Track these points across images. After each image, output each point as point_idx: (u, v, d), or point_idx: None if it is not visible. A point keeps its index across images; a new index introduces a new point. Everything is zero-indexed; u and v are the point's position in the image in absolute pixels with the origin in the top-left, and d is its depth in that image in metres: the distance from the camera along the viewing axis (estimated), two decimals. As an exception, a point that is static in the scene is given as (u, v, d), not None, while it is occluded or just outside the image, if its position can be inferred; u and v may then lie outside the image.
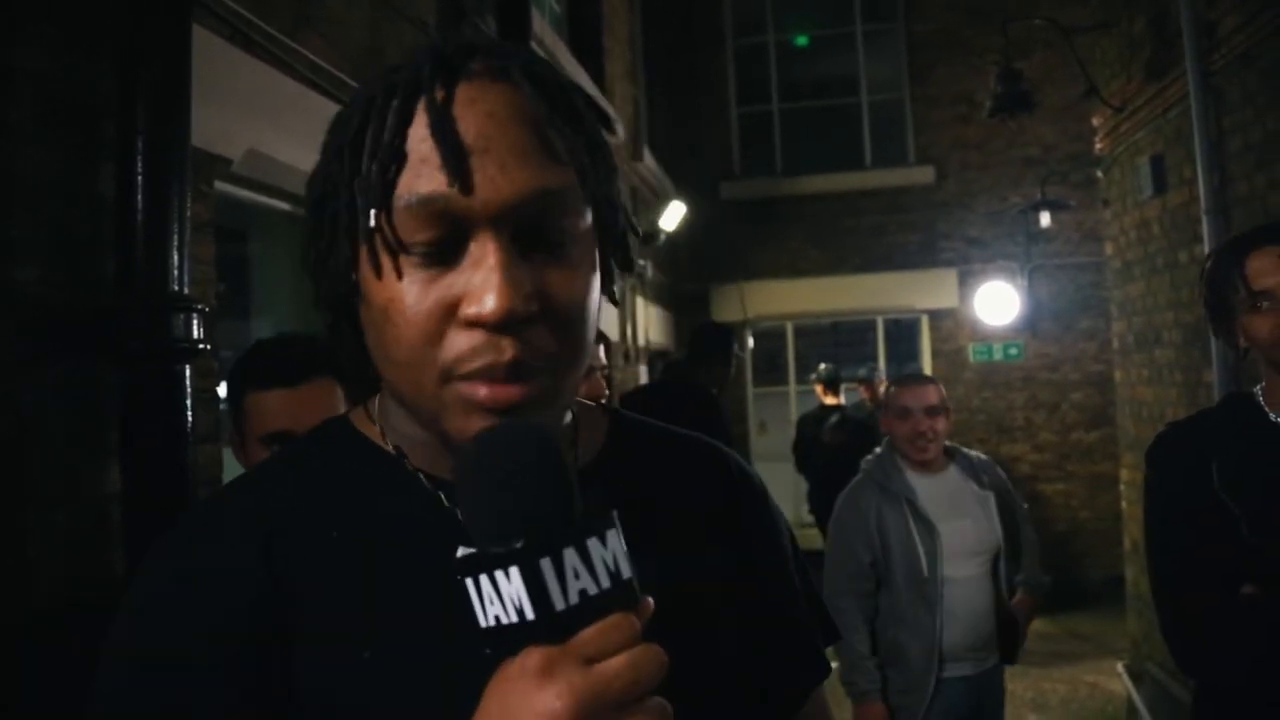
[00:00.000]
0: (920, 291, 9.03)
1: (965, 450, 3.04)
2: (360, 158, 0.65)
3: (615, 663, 0.53)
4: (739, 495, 0.86)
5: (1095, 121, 5.40)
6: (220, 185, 2.64)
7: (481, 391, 0.63)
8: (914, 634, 2.76)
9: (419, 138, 0.63)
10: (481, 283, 0.62)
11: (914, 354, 9.45)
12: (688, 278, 9.15)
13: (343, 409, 1.74)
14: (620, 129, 6.76)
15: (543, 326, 0.64)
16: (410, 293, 0.63)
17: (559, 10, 6.73)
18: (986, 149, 8.93)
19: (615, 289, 0.75)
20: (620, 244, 0.74)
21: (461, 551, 0.56)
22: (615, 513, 0.57)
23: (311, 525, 0.70)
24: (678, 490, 0.82)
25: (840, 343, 10.09)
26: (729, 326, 4.40)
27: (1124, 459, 5.61)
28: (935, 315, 9.12)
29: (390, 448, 0.74)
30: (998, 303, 8.80)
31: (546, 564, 0.53)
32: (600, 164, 0.69)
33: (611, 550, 0.55)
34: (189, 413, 2.05)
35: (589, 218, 0.68)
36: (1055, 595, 7.43)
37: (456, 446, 0.65)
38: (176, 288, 2.02)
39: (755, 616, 0.81)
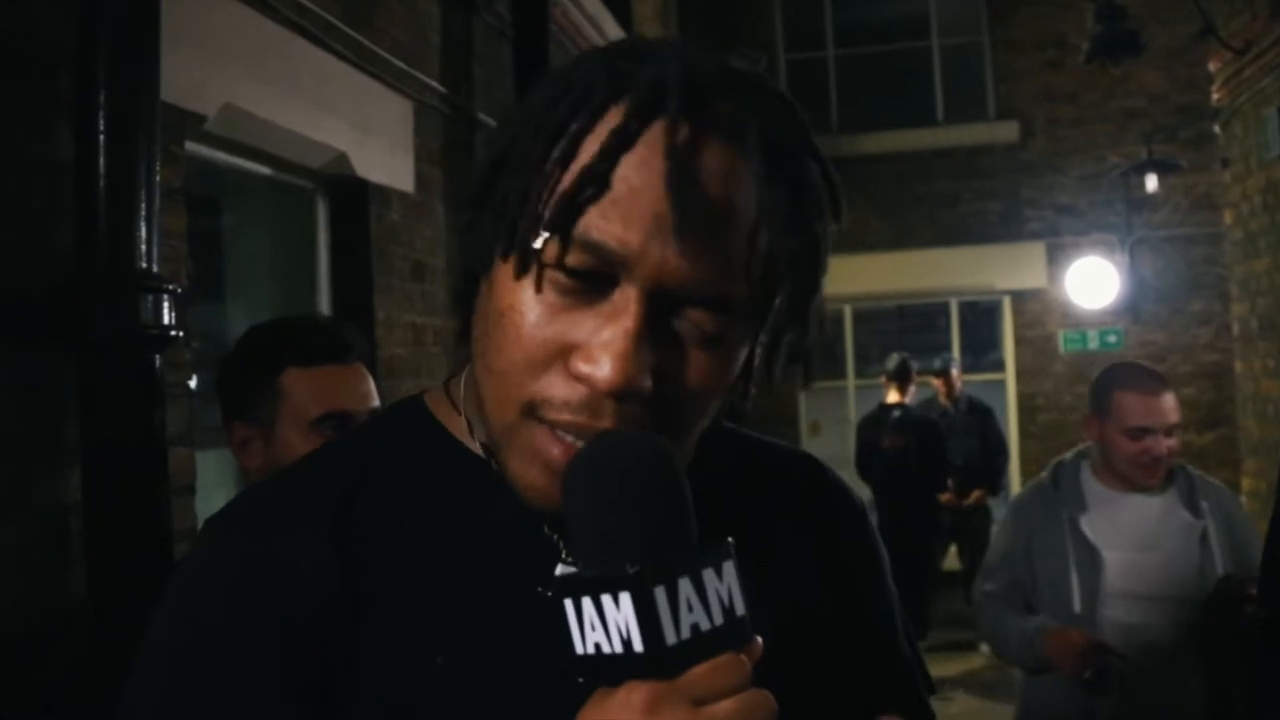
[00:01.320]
0: (1002, 269, 8.95)
1: (1190, 469, 2.74)
2: (553, 149, 0.66)
3: (725, 706, 0.56)
4: (839, 519, 0.89)
5: (1212, 67, 5.33)
6: (192, 146, 2.65)
7: (554, 451, 0.66)
8: (1060, 694, 2.53)
9: (632, 167, 0.64)
10: (606, 342, 0.64)
11: (994, 342, 9.38)
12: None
13: (376, 399, 1.77)
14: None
15: (653, 405, 0.66)
16: (535, 311, 0.66)
17: (579, -58, 6.71)
18: (1080, 101, 8.82)
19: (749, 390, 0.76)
20: (801, 354, 0.76)
21: (561, 570, 0.60)
22: (731, 541, 0.59)
23: (386, 520, 0.74)
24: (770, 510, 0.84)
25: (907, 329, 10.01)
26: None
27: (1245, 465, 5.53)
28: (1019, 297, 9.03)
29: (478, 445, 0.77)
30: (1093, 282, 8.71)
31: (661, 593, 0.56)
32: (803, 276, 0.71)
33: (727, 583, 0.58)
34: (160, 410, 2.06)
35: (759, 328, 0.71)
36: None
37: (532, 495, 0.68)
38: (144, 265, 2.02)
39: (855, 655, 0.84)
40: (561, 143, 0.65)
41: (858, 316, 9.61)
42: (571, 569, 0.60)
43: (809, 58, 9.74)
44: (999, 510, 8.37)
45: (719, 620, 0.57)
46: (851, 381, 9.43)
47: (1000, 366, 9.22)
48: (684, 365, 0.67)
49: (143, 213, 2.03)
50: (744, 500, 0.82)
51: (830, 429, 9.31)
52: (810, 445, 9.30)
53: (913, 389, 6.95)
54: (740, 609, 0.58)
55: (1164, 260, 8.68)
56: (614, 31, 5.85)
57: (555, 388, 0.66)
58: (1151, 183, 7.91)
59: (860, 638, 0.86)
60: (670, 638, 0.55)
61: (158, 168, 2.09)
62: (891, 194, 9.14)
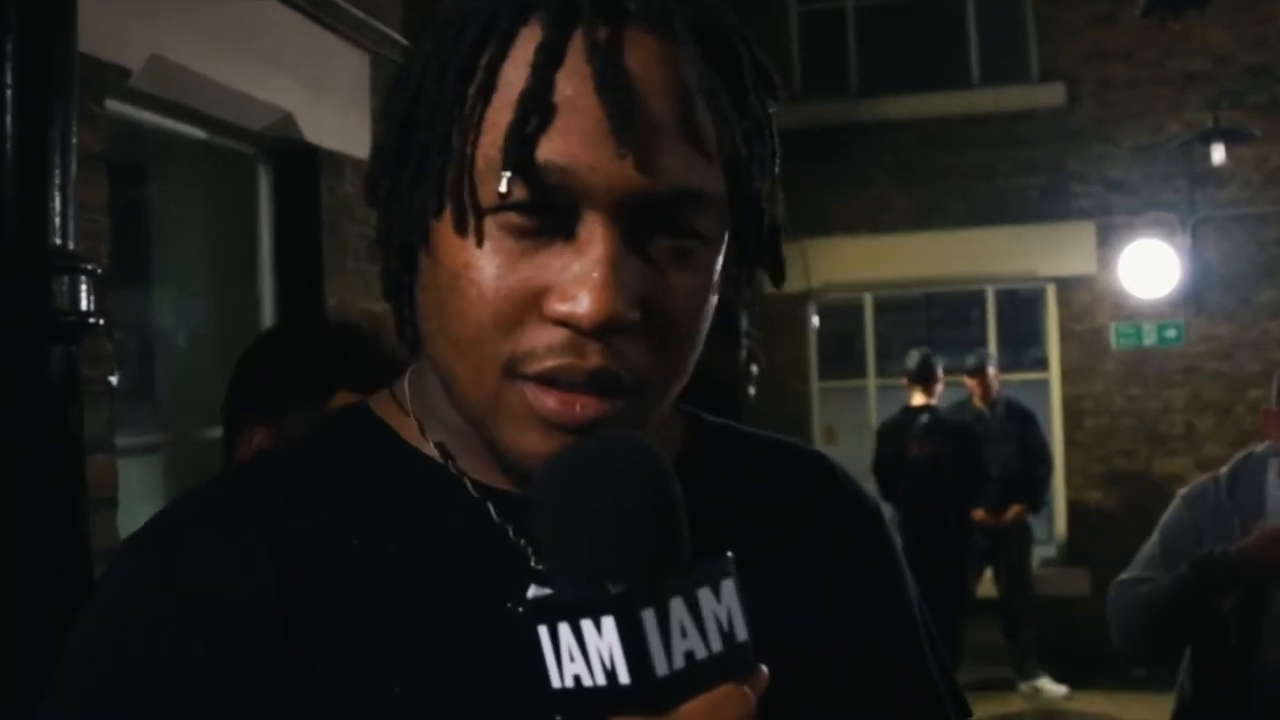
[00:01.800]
0: (1045, 253, 8.95)
1: None
2: (468, 87, 0.68)
3: None
4: (852, 521, 0.91)
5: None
6: (114, 105, 2.64)
7: (549, 402, 0.67)
8: None
9: (562, 81, 0.66)
10: (580, 275, 0.65)
11: (1036, 336, 9.41)
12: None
13: None
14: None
15: (642, 337, 0.68)
16: (493, 262, 0.67)
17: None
18: (1136, 60, 8.83)
19: (745, 299, 0.81)
20: (764, 252, 0.79)
21: (534, 591, 0.61)
22: (731, 557, 0.59)
23: (331, 532, 0.75)
24: (774, 511, 0.86)
25: (936, 321, 10.06)
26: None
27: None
28: (1065, 285, 9.04)
29: (431, 445, 0.79)
30: (1150, 268, 8.71)
31: (649, 616, 0.55)
32: (757, 158, 0.74)
33: (726, 604, 0.58)
34: (77, 410, 2.05)
35: (728, 220, 0.74)
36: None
37: (532, 463, 0.68)
38: (58, 240, 1.99)
39: (874, 677, 0.85)
40: (477, 76, 0.68)
41: (879, 306, 9.62)
42: (545, 590, 0.60)
43: (824, 8, 9.72)
44: (1040, 529, 8.43)
45: (717, 647, 0.57)
46: (872, 381, 9.43)
47: (1043, 364, 9.23)
48: (665, 289, 0.69)
49: (56, 181, 2.01)
50: (746, 505, 0.84)
51: (847, 435, 9.32)
52: (825, 452, 9.31)
53: (939, 389, 6.93)
54: (742, 634, 0.58)
55: (1231, 243, 8.69)
56: None
57: (534, 338, 0.67)
58: (1218, 154, 7.92)
59: (879, 657, 0.87)
60: (661, 668, 0.55)
61: (74, 129, 2.08)
62: (918, 166, 9.14)
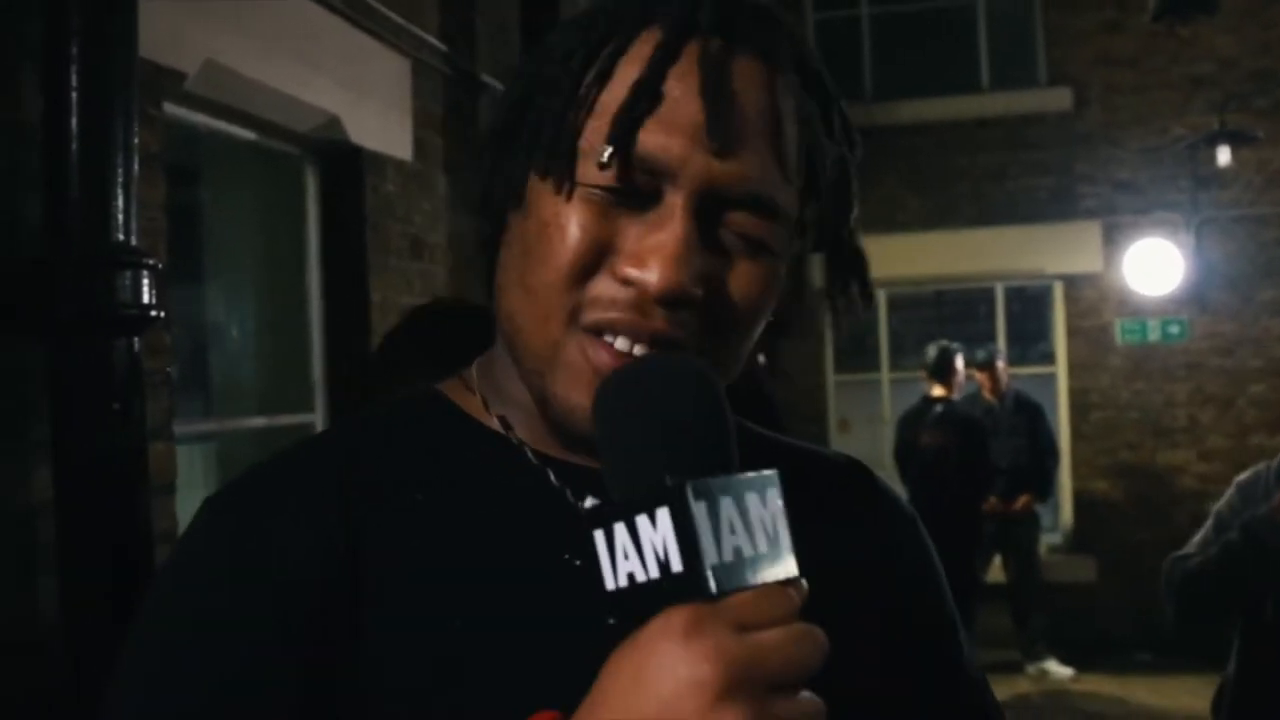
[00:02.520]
0: (1052, 251, 8.91)
1: None
2: (587, 73, 0.73)
3: (773, 634, 0.56)
4: (892, 527, 0.92)
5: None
6: (171, 108, 2.65)
7: (604, 356, 0.70)
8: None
9: (672, 80, 0.71)
10: (655, 246, 0.69)
11: (1044, 331, 9.36)
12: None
13: None
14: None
15: (701, 316, 0.71)
16: (578, 218, 0.71)
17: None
18: (1142, 66, 8.77)
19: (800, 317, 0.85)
20: (850, 273, 0.85)
21: (590, 502, 0.62)
22: (776, 473, 0.60)
23: (395, 487, 0.78)
24: (816, 516, 0.85)
25: (946, 317, 9.99)
26: None
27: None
28: (1072, 282, 9.00)
29: (494, 417, 0.82)
30: (1154, 266, 8.65)
31: (701, 508, 0.56)
32: (842, 184, 0.79)
33: (771, 511, 0.59)
34: (139, 400, 2.06)
35: (796, 231, 0.77)
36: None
37: (579, 416, 0.71)
38: (120, 237, 2.03)
39: (914, 685, 0.85)
40: (597, 65, 0.73)
41: (892, 303, 9.59)
42: (601, 501, 0.60)
43: (840, 16, 9.70)
44: (1047, 518, 8.40)
45: (763, 548, 0.58)
46: (885, 374, 9.41)
47: (1050, 359, 9.19)
48: (731, 275, 0.73)
49: (120, 180, 2.03)
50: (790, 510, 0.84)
51: (861, 427, 9.29)
52: (838, 444, 9.30)
53: (958, 381, 6.88)
54: (786, 542, 0.59)
55: (1234, 243, 8.63)
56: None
57: (601, 288, 0.71)
58: (1224, 156, 7.85)
59: (919, 659, 0.87)
60: (711, 557, 0.55)
61: (135, 130, 2.09)
62: (930, 168, 9.12)
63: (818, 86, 0.77)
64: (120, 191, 2.03)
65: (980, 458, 6.70)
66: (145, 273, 2.05)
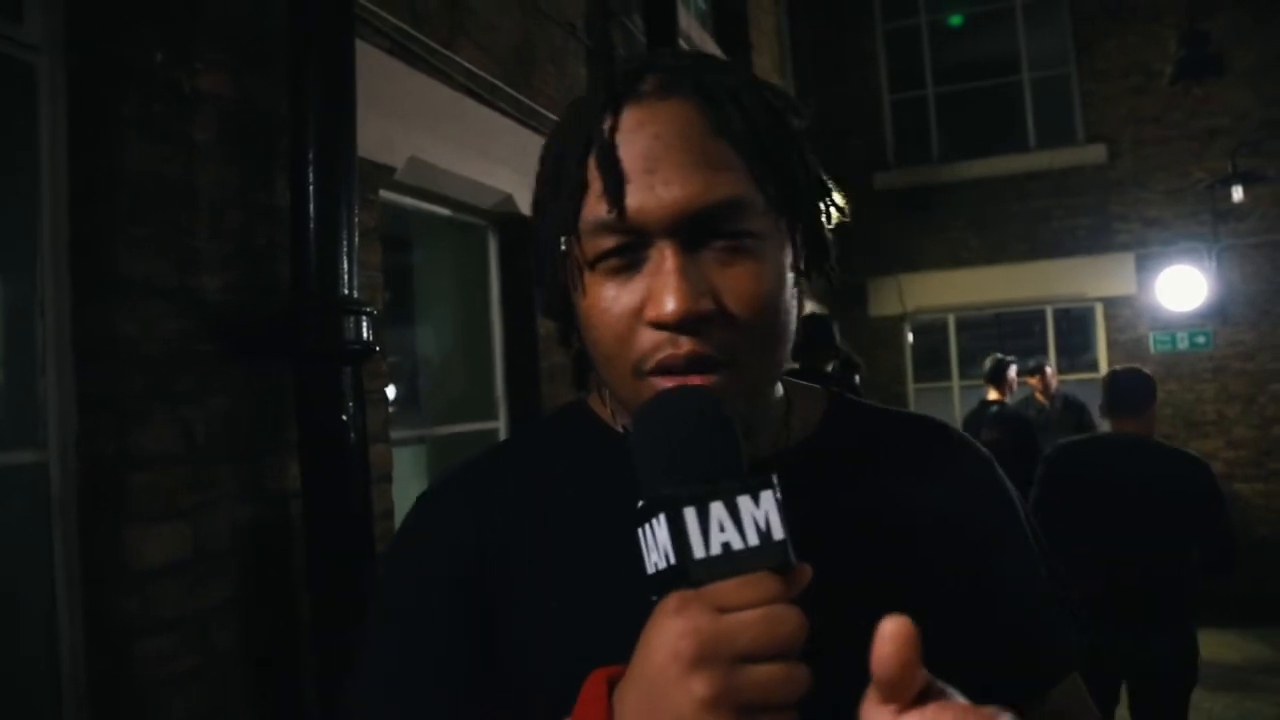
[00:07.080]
0: (1093, 278, 8.50)
1: None
2: (555, 186, 0.73)
3: (748, 615, 0.53)
4: (976, 484, 0.84)
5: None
6: (385, 194, 2.73)
7: (666, 384, 0.68)
8: None
9: (593, 166, 0.69)
10: (660, 287, 0.67)
11: (1088, 345, 8.91)
12: (841, 271, 8.93)
13: None
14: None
15: (723, 322, 0.68)
16: (604, 298, 0.70)
17: (704, 6, 6.70)
18: (1165, 121, 8.30)
19: (814, 275, 0.79)
20: (809, 237, 0.77)
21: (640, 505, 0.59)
22: (775, 476, 0.57)
23: (528, 493, 0.79)
24: (905, 476, 0.81)
25: (1005, 335, 9.62)
26: (825, 317, 4.26)
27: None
28: (1110, 303, 8.55)
29: (619, 426, 0.81)
30: (1181, 288, 8.16)
31: (690, 513, 0.55)
32: (779, 164, 0.72)
33: (764, 509, 0.56)
34: (362, 412, 2.13)
35: (771, 214, 0.72)
36: (1256, 608, 6.85)
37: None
38: (347, 291, 2.09)
39: (991, 622, 0.77)
40: (553, 176, 0.73)
41: (960, 325, 9.28)
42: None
43: (911, 96, 9.47)
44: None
45: (753, 541, 0.55)
46: (956, 383, 9.11)
47: (1094, 367, 8.72)
48: (731, 279, 0.69)
49: (345, 249, 2.10)
50: (875, 463, 0.81)
51: (936, 425, 9.01)
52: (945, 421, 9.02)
53: (1011, 386, 6.62)
54: (779, 534, 0.55)
55: (1251, 266, 8.06)
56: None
57: (644, 342, 0.69)
58: (1238, 193, 7.37)
59: (998, 602, 0.78)
60: (698, 552, 0.54)
61: (357, 211, 2.16)
62: (988, 213, 8.80)
63: (718, 97, 0.71)
64: (346, 258, 2.09)
65: (1029, 449, 6.42)
66: (365, 318, 2.10)
